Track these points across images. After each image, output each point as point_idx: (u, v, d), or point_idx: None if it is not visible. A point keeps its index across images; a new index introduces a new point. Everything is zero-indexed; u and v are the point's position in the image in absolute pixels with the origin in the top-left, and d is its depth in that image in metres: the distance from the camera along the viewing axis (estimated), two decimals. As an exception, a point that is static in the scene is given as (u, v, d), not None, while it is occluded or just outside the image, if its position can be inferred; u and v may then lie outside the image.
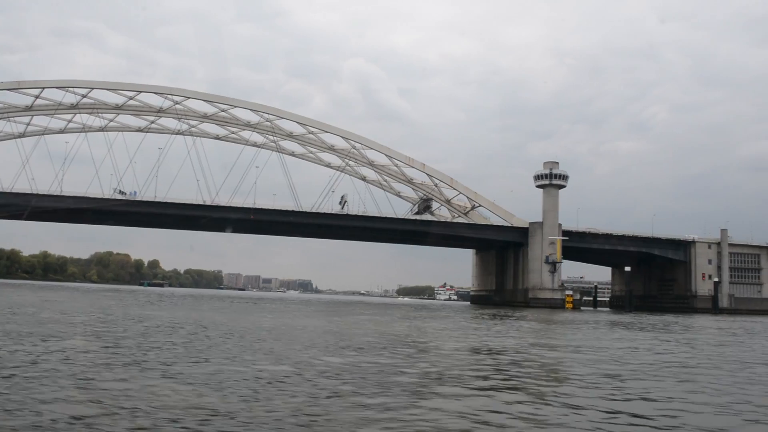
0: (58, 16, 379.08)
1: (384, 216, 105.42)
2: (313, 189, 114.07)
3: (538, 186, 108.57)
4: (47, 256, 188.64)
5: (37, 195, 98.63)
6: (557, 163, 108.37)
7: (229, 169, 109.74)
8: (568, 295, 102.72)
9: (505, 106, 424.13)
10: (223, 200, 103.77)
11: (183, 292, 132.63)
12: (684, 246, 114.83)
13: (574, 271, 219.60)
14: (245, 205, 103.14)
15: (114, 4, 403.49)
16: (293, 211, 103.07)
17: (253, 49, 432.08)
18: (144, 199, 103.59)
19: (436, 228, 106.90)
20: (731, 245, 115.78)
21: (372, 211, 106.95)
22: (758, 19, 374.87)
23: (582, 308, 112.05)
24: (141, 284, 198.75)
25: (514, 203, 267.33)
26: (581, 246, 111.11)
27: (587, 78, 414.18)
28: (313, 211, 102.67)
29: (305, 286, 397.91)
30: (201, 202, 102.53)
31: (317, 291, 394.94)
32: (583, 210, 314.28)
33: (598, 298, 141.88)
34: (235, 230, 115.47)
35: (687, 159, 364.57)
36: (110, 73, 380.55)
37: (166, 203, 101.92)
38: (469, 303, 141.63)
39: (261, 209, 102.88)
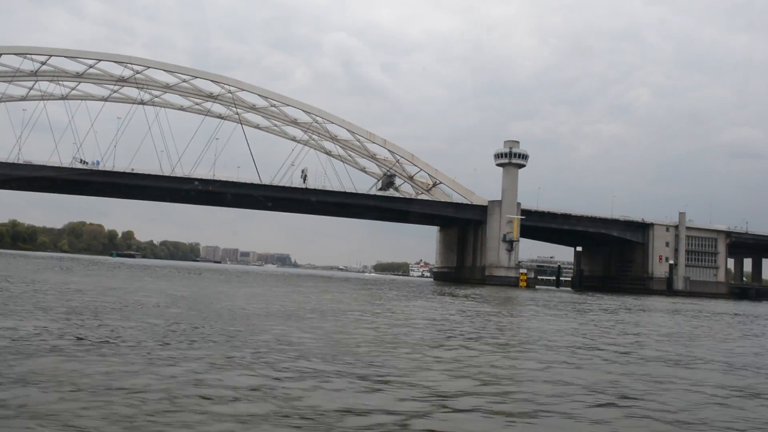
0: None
1: (343, 191, 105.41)
2: (281, 162, 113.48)
3: (498, 164, 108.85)
4: (16, 225, 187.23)
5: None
6: (517, 142, 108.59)
7: (189, 140, 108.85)
8: (522, 274, 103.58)
9: (487, 84, 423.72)
10: (184, 172, 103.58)
11: (148, 263, 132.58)
12: (642, 228, 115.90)
13: (545, 250, 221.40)
14: (206, 177, 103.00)
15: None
16: (252, 184, 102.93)
17: (233, 20, 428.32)
18: (103, 168, 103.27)
19: (396, 204, 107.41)
20: (689, 228, 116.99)
21: (334, 186, 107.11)
22: (740, 5, 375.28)
23: (537, 287, 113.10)
24: (111, 255, 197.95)
25: (483, 181, 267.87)
26: (541, 225, 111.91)
27: (570, 58, 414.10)
28: (272, 184, 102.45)
29: (283, 260, 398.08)
30: (159, 173, 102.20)
31: (296, 265, 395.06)
32: (565, 190, 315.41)
33: (563, 278, 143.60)
34: (195, 202, 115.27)
35: (667, 143, 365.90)
36: (87, 41, 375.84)
37: (123, 173, 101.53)
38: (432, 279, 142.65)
39: (220, 181, 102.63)
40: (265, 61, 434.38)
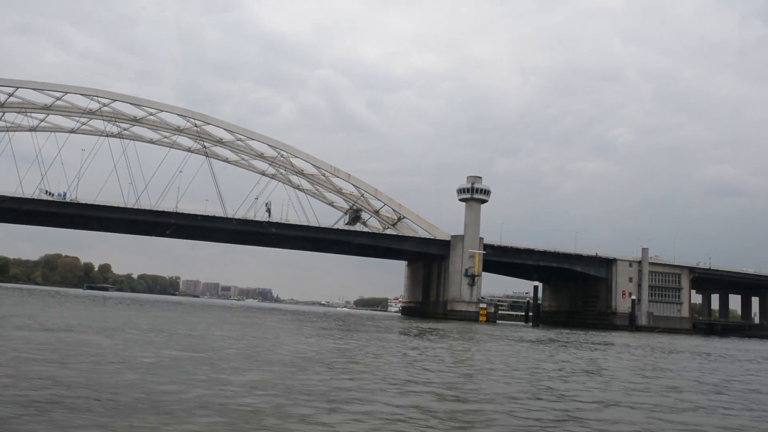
0: (23, 13, 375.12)
1: (306, 224, 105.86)
2: (252, 197, 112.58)
3: (461, 199, 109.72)
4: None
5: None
6: (480, 177, 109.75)
7: (153, 173, 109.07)
8: (481, 308, 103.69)
9: (472, 120, 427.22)
10: (151, 204, 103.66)
11: (116, 296, 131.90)
12: (606, 264, 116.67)
13: (522, 286, 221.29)
14: (166, 209, 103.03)
15: (79, 3, 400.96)
16: (213, 217, 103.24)
17: (220, 56, 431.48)
18: (67, 200, 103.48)
19: (359, 238, 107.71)
20: (653, 264, 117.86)
21: (300, 220, 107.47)
22: (716, 46, 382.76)
23: (501, 322, 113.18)
24: (83, 288, 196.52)
25: (451, 216, 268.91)
26: (504, 260, 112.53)
27: (552, 96, 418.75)
28: (233, 217, 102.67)
29: (265, 295, 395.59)
30: (122, 205, 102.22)
31: (277, 300, 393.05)
32: (548, 226, 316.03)
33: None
34: (158, 234, 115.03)
35: (649, 180, 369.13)
36: (76, 74, 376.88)
37: (87, 205, 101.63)
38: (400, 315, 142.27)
39: (182, 214, 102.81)
40: (252, 97, 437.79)
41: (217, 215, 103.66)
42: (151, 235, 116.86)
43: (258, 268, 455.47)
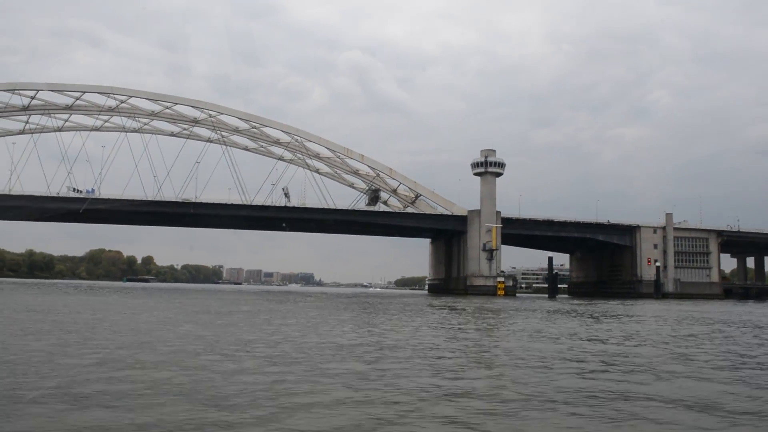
0: (57, 16, 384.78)
1: (324, 207, 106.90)
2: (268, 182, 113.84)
3: (476, 174, 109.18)
4: (33, 254, 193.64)
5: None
6: (494, 150, 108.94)
7: (171, 165, 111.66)
8: (499, 282, 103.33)
9: (504, 94, 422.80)
10: (169, 196, 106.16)
11: (155, 286, 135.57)
12: (629, 231, 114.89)
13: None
14: (186, 200, 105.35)
15: (110, 3, 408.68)
16: (232, 204, 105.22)
17: (250, 45, 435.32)
18: (94, 196, 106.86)
19: (376, 218, 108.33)
20: (679, 229, 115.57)
21: (320, 203, 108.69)
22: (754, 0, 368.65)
23: (519, 295, 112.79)
24: (122, 280, 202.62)
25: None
26: (524, 233, 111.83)
27: (586, 64, 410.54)
28: (250, 204, 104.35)
29: (307, 279, 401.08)
30: (145, 198, 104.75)
31: (320, 284, 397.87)
32: (589, 196, 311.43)
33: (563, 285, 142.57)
34: (181, 224, 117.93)
35: (691, 143, 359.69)
36: (109, 72, 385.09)
37: (108, 199, 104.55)
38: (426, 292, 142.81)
39: (201, 203, 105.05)
40: (283, 83, 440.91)
41: (235, 203, 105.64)
42: (174, 225, 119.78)
43: (300, 252, 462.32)
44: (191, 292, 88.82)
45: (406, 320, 30.17)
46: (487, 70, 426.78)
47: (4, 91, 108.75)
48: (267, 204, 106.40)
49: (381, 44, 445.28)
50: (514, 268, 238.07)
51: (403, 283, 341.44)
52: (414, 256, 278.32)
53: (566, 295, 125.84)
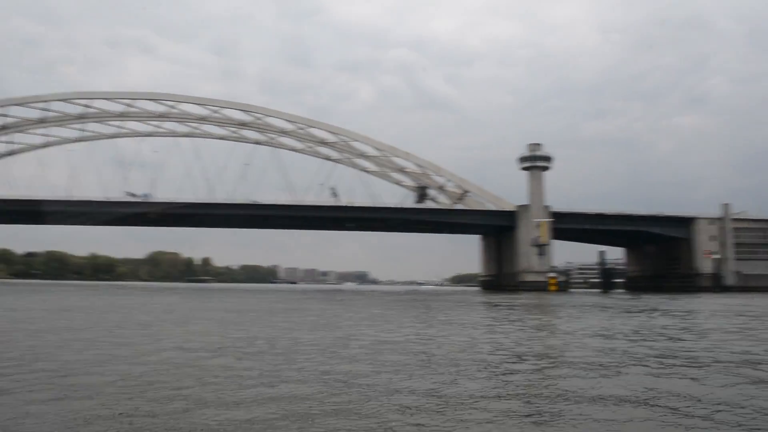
0: (110, 26, 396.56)
1: (371, 206, 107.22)
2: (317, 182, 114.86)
3: (523, 168, 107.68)
4: (96, 258, 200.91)
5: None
6: (540, 144, 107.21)
7: (226, 167, 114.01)
8: (551, 278, 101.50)
9: (554, 86, 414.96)
10: (221, 198, 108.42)
11: (212, 287, 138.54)
12: (685, 223, 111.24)
13: (614, 253, 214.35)
14: (241, 201, 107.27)
15: (160, 11, 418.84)
16: (282, 205, 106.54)
17: (297, 46, 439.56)
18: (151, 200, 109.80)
19: (424, 215, 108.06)
20: (737, 220, 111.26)
21: (364, 202, 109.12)
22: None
23: (572, 290, 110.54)
24: (183, 281, 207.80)
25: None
26: (575, 227, 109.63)
27: (637, 53, 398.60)
28: (300, 204, 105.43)
29: (362, 278, 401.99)
30: (198, 200, 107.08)
31: (375, 282, 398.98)
32: (643, 188, 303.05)
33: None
34: (236, 225, 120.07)
35: (750, 131, 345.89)
36: (162, 78, 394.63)
37: (161, 203, 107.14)
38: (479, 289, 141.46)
39: (254, 204, 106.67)
40: (331, 84, 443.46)
41: (285, 203, 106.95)
42: (229, 227, 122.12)
43: (355, 251, 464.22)
44: (255, 292, 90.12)
45: (457, 316, 29.79)
46: (535, 63, 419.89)
47: (60, 101, 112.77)
48: (317, 204, 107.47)
49: (427, 41, 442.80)
50: (571, 263, 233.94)
51: (458, 280, 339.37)
52: (469, 252, 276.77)
53: (622, 290, 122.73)
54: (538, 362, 13.76)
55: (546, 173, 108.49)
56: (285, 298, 60.69)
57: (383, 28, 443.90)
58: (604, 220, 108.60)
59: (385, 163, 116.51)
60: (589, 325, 25.50)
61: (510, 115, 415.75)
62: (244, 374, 11.17)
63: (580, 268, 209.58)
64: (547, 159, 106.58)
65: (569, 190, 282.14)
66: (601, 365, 12.81)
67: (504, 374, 11.60)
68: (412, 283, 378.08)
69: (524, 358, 14.32)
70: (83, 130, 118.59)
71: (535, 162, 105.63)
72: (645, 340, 18.62)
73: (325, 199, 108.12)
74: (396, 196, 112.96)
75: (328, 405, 8.59)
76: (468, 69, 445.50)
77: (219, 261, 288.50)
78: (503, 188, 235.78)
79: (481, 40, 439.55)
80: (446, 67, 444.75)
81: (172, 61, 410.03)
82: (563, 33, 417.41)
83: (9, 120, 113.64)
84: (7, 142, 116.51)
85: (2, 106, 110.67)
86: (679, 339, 19.15)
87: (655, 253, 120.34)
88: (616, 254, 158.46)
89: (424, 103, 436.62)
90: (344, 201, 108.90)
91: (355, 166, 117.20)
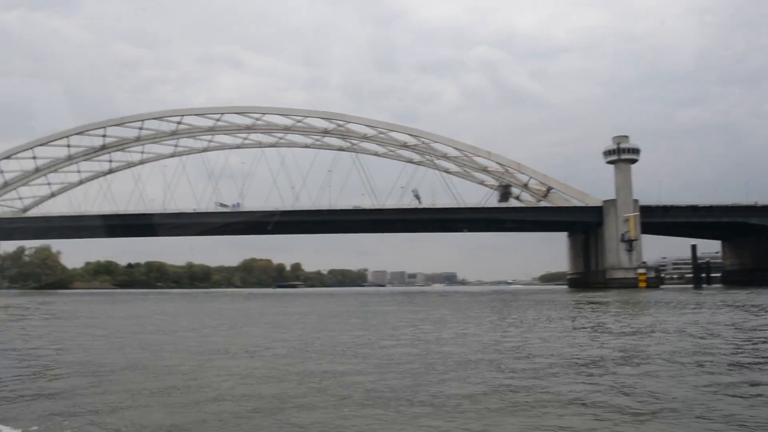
0: (201, 44, 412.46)
1: (453, 207, 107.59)
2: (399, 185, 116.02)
3: (609, 162, 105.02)
4: (192, 266, 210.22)
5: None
6: (626, 137, 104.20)
7: (309, 175, 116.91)
8: (640, 274, 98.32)
9: (645, 74, 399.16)
10: (307, 205, 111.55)
11: (301, 291, 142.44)
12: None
13: (710, 247, 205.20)
14: (324, 208, 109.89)
15: (248, 26, 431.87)
16: (365, 210, 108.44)
17: (380, 51, 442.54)
18: (240, 209, 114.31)
19: (505, 214, 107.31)
20: None
21: (446, 203, 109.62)
22: None
23: (663, 286, 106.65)
24: (273, 286, 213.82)
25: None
26: (666, 221, 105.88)
27: (734, 34, 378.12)
28: (378, 207, 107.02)
29: (450, 279, 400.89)
30: (285, 209, 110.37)
31: (464, 283, 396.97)
32: (744, 176, 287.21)
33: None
34: (321, 231, 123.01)
35: None
36: (250, 92, 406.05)
37: (249, 212, 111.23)
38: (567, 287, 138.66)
39: (338, 210, 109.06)
40: (414, 86, 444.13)
41: (367, 208, 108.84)
42: (313, 233, 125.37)
43: (443, 252, 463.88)
44: (338, 295, 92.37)
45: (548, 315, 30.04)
46: (625, 52, 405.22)
47: (154, 119, 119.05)
48: (399, 207, 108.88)
49: (509, 37, 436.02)
50: (665, 258, 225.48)
51: (548, 278, 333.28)
52: (558, 250, 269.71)
53: (719, 285, 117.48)
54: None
55: (638, 165, 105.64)
56: (359, 301, 61.88)
57: (465, 26, 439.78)
58: (698, 212, 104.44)
59: (466, 164, 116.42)
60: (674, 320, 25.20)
61: (599, 107, 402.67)
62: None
63: (675, 264, 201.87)
64: (635, 151, 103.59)
65: (664, 182, 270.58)
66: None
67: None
68: (500, 282, 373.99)
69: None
70: (176, 146, 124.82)
71: (621, 155, 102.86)
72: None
73: (407, 202, 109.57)
74: (478, 196, 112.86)
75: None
76: (553, 62, 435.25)
77: (309, 266, 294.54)
78: (595, 182, 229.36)
79: (566, 32, 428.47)
80: (530, 62, 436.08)
81: (259, 74, 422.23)
82: (653, 17, 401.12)
83: (108, 140, 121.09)
84: (107, 161, 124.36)
85: (102, 127, 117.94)
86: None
87: (755, 245, 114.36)
88: (714, 248, 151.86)
89: (508, 101, 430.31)
90: (427, 203, 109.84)
91: (436, 167, 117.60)
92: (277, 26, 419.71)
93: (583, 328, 23.28)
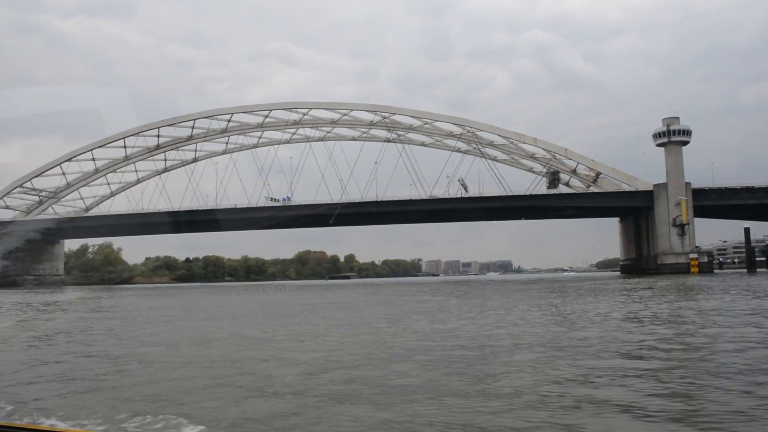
0: (254, 42, 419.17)
1: (500, 195, 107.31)
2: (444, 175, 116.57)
3: (658, 145, 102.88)
4: (247, 260, 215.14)
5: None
6: (677, 118, 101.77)
7: (356, 167, 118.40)
8: (692, 259, 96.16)
9: (705, 52, 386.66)
10: (355, 197, 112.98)
11: (355, 282, 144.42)
12: None
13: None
14: (371, 200, 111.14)
15: (298, 21, 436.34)
16: (411, 200, 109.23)
17: (430, 40, 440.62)
18: (289, 203, 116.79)
19: (552, 201, 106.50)
20: None
21: (493, 191, 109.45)
22: None
23: (718, 271, 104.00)
24: (325, 278, 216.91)
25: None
26: (721, 204, 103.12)
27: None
28: (425, 198, 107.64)
29: (505, 267, 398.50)
30: (333, 201, 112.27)
31: (519, 271, 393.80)
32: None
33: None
34: (368, 222, 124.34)
35: None
36: (301, 86, 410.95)
37: (298, 206, 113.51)
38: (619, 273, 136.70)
39: (384, 201, 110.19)
40: (465, 74, 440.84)
41: (415, 198, 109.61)
42: (356, 225, 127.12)
43: (498, 240, 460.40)
44: (385, 285, 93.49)
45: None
46: (683, 29, 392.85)
47: (205, 118, 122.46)
48: (447, 197, 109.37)
49: (561, 19, 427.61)
50: (725, 241, 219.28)
51: (604, 264, 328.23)
52: (615, 235, 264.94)
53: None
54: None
55: (698, 147, 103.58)
56: (404, 292, 62.74)
57: (517, 10, 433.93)
58: (754, 193, 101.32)
59: (513, 151, 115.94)
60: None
61: (657, 87, 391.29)
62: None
63: (736, 247, 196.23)
64: (686, 133, 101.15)
65: (726, 163, 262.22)
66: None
67: None
68: (557, 270, 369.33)
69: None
70: (227, 143, 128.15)
71: (672, 137, 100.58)
72: None
73: (453, 192, 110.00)
74: (526, 183, 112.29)
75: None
76: (608, 43, 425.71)
77: (363, 257, 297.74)
78: (652, 164, 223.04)
79: (620, 11, 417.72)
80: (584, 44, 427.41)
81: (310, 68, 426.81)
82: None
83: (162, 140, 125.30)
84: (162, 160, 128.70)
85: (156, 128, 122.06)
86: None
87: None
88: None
89: (562, 84, 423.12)
90: (474, 192, 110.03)
91: (484, 155, 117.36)
92: (328, 20, 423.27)
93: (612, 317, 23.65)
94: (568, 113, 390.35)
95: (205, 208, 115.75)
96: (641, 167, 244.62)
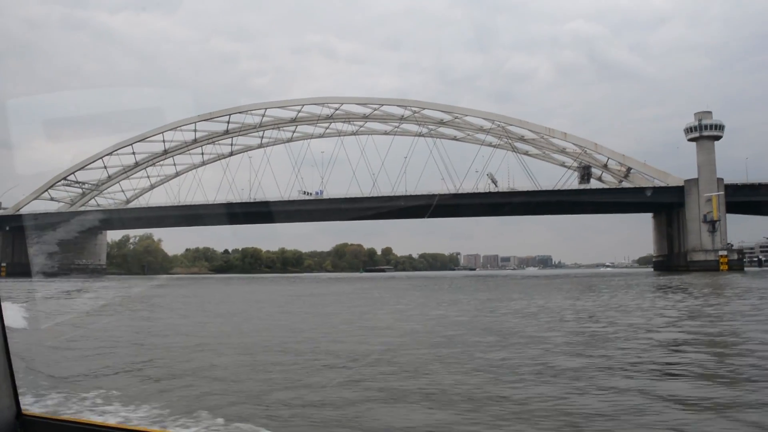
0: (295, 35, 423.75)
1: (530, 189, 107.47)
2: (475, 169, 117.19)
3: (690, 139, 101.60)
4: (284, 252, 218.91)
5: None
6: (710, 112, 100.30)
7: (387, 161, 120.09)
8: (721, 256, 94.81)
9: (756, 41, 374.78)
10: (385, 191, 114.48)
11: (390, 275, 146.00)
12: None
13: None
14: (401, 194, 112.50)
15: (339, 14, 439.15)
16: (441, 194, 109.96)
17: (470, 32, 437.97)
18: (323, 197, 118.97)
19: (581, 196, 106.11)
20: None
21: (524, 186, 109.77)
22: None
23: (748, 269, 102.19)
24: (360, 270, 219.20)
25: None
26: (755, 200, 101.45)
27: None
28: (455, 192, 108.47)
29: (545, 262, 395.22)
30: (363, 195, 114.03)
31: (559, 266, 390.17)
32: None
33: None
34: (398, 216, 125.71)
35: None
36: (342, 78, 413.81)
37: (329, 199, 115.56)
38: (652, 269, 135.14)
39: (412, 196, 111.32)
40: (507, 65, 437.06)
41: (445, 192, 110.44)
42: (386, 219, 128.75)
43: (538, 235, 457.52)
44: (417, 278, 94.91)
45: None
46: (733, 18, 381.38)
47: (240, 113, 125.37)
48: (476, 191, 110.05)
49: (606, 9, 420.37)
50: (767, 238, 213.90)
51: (645, 261, 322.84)
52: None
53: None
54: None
55: (743, 141, 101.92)
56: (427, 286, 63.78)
57: (558, 1, 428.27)
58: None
59: (544, 146, 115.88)
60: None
61: (705, 78, 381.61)
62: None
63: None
64: (718, 128, 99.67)
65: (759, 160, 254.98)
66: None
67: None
68: (597, 265, 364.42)
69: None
70: (262, 137, 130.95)
71: (703, 132, 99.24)
72: None
73: (483, 186, 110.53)
74: (557, 178, 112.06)
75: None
76: (654, 34, 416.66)
77: (401, 250, 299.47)
78: (684, 162, 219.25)
79: (667, 1, 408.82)
80: (629, 34, 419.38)
81: (351, 61, 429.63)
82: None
83: (199, 134, 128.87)
84: (199, 153, 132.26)
85: (193, 123, 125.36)
86: None
87: None
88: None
89: (606, 76, 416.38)
90: (504, 186, 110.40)
91: (515, 150, 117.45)
92: (368, 13, 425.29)
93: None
94: (612, 105, 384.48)
95: (260, 200, 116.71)
96: (682, 161, 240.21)
